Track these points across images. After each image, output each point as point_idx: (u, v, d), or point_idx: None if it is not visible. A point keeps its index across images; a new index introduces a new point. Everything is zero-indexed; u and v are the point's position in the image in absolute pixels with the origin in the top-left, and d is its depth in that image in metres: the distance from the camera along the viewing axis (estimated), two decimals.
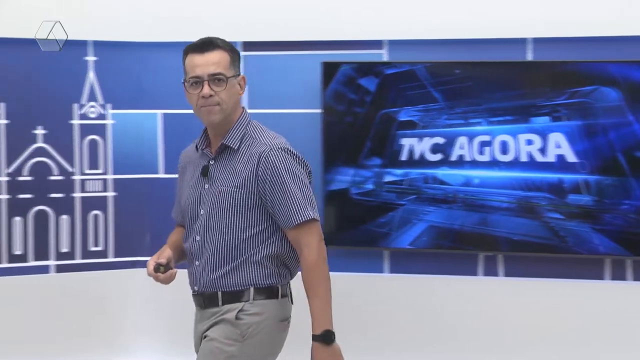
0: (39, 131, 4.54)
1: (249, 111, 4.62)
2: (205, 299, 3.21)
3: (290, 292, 3.23)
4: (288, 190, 3.12)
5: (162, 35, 4.64)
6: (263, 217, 3.16)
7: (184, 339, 4.66)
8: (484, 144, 4.41)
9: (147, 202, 4.73)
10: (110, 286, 4.67)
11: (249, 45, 4.64)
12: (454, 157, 4.44)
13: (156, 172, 4.73)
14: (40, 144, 4.54)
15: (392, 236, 4.51)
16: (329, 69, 4.54)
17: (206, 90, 3.14)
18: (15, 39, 4.42)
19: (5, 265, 4.47)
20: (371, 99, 4.51)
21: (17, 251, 4.50)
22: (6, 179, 4.48)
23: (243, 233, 3.15)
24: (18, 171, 4.50)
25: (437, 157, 4.47)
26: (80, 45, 4.58)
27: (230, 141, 3.19)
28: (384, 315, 4.57)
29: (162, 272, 3.19)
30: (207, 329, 3.17)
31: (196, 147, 3.29)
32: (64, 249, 4.59)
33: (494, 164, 4.40)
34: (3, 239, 4.46)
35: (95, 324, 4.63)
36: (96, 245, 4.67)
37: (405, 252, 4.54)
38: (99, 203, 4.67)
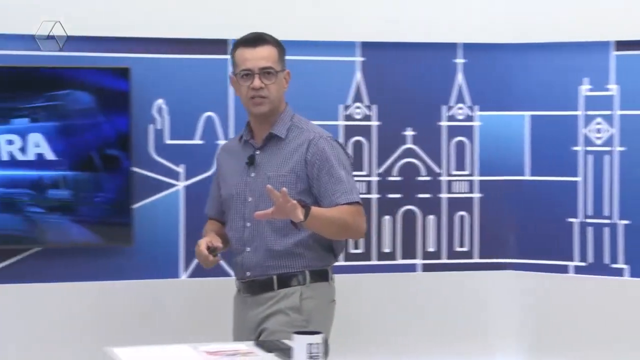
0: (408, 132, 4.64)
1: (620, 112, 4.51)
2: (257, 285, 3.29)
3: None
4: (335, 173, 3.25)
5: (529, 37, 4.59)
6: (309, 201, 3.22)
7: (548, 343, 4.60)
8: None
9: (513, 204, 4.69)
10: (474, 287, 4.68)
11: (623, 45, 4.47)
12: None
13: (522, 174, 4.68)
14: (409, 145, 4.64)
15: None
16: None
17: (257, 82, 3.29)
18: (346, 43, 4.55)
19: (374, 262, 4.60)
20: None
21: (386, 249, 4.62)
22: (377, 179, 4.61)
23: None
24: (388, 171, 4.63)
25: None
26: (450, 47, 4.63)
27: (278, 130, 3.33)
28: None
29: (214, 256, 3.26)
30: (265, 318, 3.24)
31: (239, 138, 3.42)
32: (431, 248, 4.66)
33: None
34: (373, 236, 4.60)
35: (458, 324, 4.66)
36: (461, 246, 4.70)
37: None
38: (465, 204, 4.70)
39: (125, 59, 4.26)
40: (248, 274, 3.35)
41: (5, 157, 4.14)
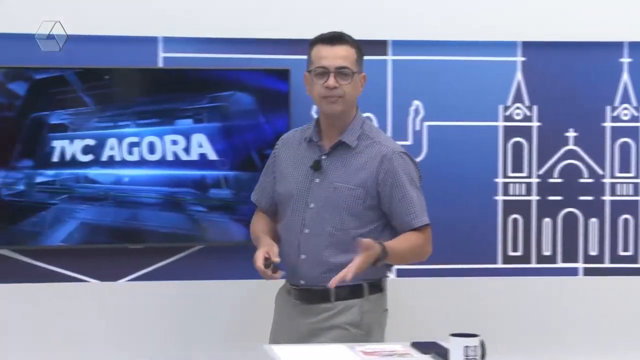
0: (570, 133, 4.55)
1: None
2: (313, 295, 3.20)
3: None
4: (407, 195, 3.17)
5: None
6: (375, 216, 3.17)
7: None
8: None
9: None
10: (639, 292, 4.56)
11: None
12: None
13: None
14: (571, 146, 4.55)
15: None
16: None
17: (331, 81, 3.19)
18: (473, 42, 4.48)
19: (534, 265, 4.53)
20: None
21: (546, 252, 4.55)
22: (537, 180, 4.55)
23: (356, 230, 3.15)
24: (549, 173, 4.55)
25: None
26: (616, 46, 4.52)
27: (348, 138, 3.22)
28: None
29: (273, 272, 3.17)
30: (321, 331, 3.19)
31: (305, 137, 3.31)
32: (593, 252, 4.57)
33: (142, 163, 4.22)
34: (533, 239, 4.53)
35: (621, 330, 4.56)
36: (625, 250, 4.58)
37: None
38: (630, 207, 4.57)
39: (284, 60, 4.32)
40: (302, 282, 3.27)
41: (170, 157, 4.26)
